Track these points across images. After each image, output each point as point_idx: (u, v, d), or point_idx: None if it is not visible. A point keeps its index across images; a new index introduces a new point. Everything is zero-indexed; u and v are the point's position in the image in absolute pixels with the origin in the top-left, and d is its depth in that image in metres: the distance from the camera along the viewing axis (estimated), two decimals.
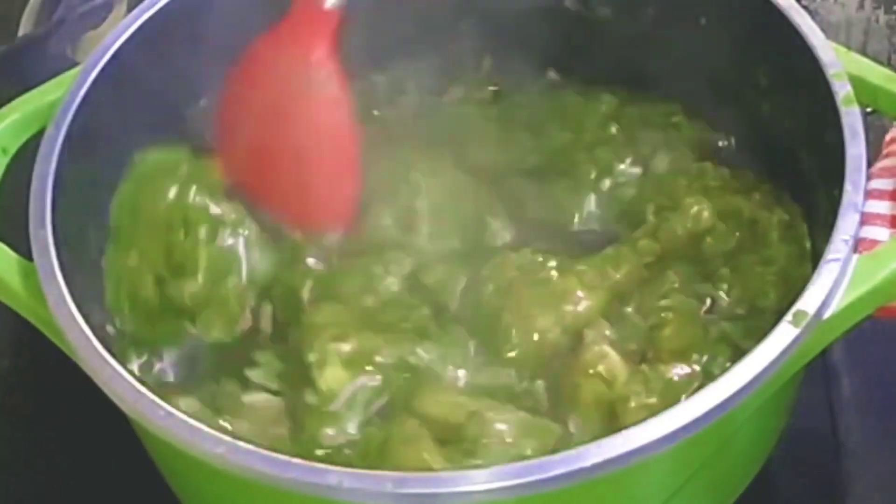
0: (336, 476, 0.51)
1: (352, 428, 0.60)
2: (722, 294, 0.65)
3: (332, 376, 0.61)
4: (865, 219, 0.57)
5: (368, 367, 0.61)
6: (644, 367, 0.61)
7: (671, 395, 0.59)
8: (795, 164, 0.66)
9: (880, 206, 0.59)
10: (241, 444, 0.52)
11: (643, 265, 0.66)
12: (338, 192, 0.69)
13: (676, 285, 0.65)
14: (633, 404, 0.59)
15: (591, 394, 0.60)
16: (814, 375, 0.66)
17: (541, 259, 0.66)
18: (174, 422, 0.53)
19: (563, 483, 0.50)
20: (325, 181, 0.68)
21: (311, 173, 0.68)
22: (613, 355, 0.61)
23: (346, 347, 0.61)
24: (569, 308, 0.64)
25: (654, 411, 0.52)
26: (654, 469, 0.55)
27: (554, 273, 0.65)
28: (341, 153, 0.68)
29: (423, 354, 0.62)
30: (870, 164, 0.59)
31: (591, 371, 0.61)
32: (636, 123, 0.72)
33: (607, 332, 0.63)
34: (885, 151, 0.63)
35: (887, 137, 0.65)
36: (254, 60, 0.68)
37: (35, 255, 0.59)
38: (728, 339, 0.62)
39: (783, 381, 0.56)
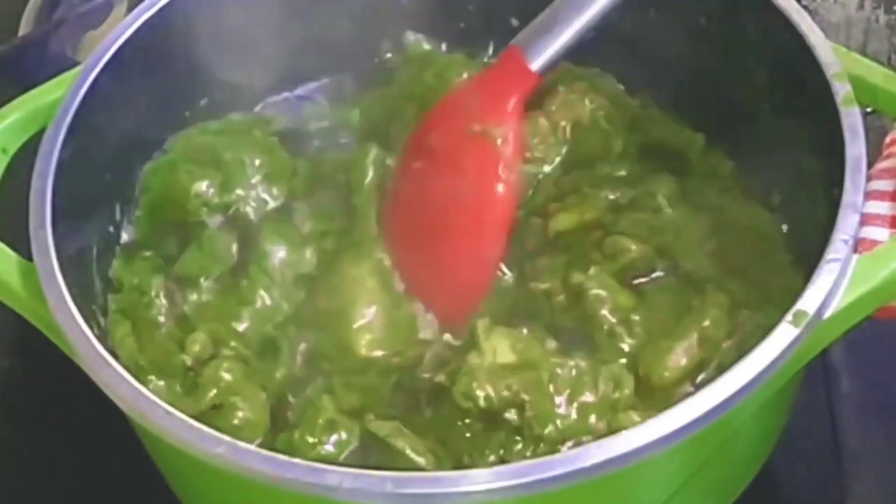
0: (336, 476, 0.50)
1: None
2: None
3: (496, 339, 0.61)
4: (865, 219, 0.57)
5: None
6: None
7: None
8: (795, 164, 0.66)
9: (880, 207, 0.59)
10: (241, 444, 0.52)
11: None
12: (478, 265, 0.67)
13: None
14: None
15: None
16: (814, 375, 0.66)
17: None
18: (174, 421, 0.53)
19: (563, 483, 0.50)
20: (470, 247, 0.67)
21: (460, 234, 0.67)
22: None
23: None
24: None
25: None
26: (654, 469, 0.55)
27: None
28: (491, 222, 0.66)
29: None
30: (870, 165, 0.59)
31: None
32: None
33: None
34: (885, 153, 0.63)
35: (887, 139, 0.65)
36: (446, 104, 0.69)
37: (35, 255, 0.59)
38: None
39: (783, 381, 0.56)
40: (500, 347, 0.61)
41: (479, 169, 0.66)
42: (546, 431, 0.58)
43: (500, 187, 0.65)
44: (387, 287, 0.66)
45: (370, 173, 0.69)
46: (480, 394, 0.59)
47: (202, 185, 0.69)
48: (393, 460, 0.59)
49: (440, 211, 0.67)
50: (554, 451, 0.57)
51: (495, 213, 0.66)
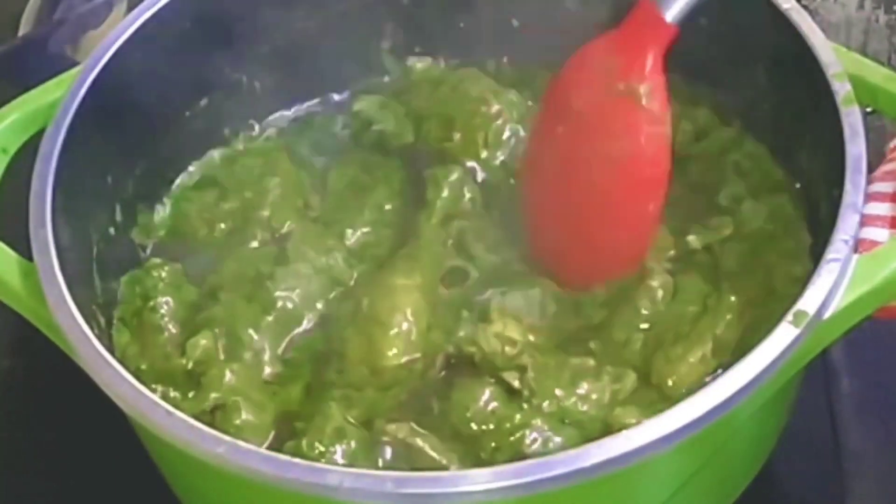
0: (336, 476, 0.51)
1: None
2: None
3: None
4: (866, 220, 0.57)
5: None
6: None
7: None
8: (795, 165, 0.66)
9: (881, 208, 0.59)
10: (241, 444, 0.52)
11: None
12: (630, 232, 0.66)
13: None
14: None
15: None
16: (814, 375, 0.66)
17: None
18: (174, 422, 0.53)
19: (563, 483, 0.50)
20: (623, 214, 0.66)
21: (611, 199, 0.66)
22: None
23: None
24: None
25: None
26: (654, 469, 0.55)
27: None
28: (649, 177, 0.65)
29: None
30: (870, 165, 0.59)
31: None
32: None
33: None
34: (888, 157, 0.64)
35: (891, 145, 0.65)
36: (579, 64, 0.67)
37: (35, 255, 0.59)
38: None
39: (783, 382, 0.56)
40: (510, 326, 0.62)
41: (628, 128, 0.64)
42: (545, 404, 0.59)
43: (653, 143, 0.64)
44: (429, 303, 0.66)
45: (445, 192, 0.69)
46: (485, 344, 0.61)
47: (202, 203, 0.70)
48: (412, 462, 0.59)
49: (593, 172, 0.66)
50: (557, 433, 0.58)
51: (652, 169, 0.64)
